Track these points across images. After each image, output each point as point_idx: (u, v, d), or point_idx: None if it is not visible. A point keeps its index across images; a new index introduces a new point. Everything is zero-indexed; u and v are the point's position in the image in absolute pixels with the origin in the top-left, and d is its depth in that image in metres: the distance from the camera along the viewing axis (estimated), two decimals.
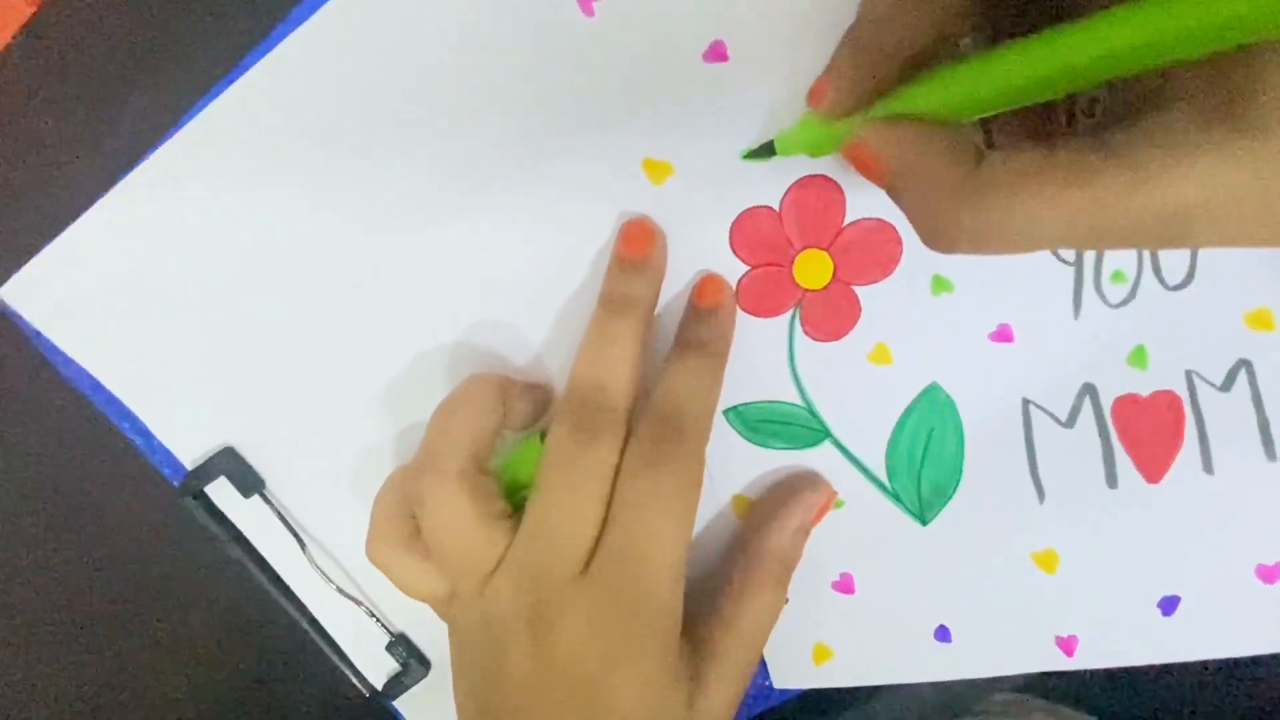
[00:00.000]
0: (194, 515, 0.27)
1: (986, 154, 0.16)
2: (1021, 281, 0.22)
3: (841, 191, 0.22)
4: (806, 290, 0.23)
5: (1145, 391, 0.22)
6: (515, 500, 0.23)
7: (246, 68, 0.23)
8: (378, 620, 0.28)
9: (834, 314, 0.23)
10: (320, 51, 0.22)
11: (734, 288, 0.23)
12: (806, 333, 0.23)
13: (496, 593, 0.21)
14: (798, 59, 0.21)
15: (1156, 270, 0.21)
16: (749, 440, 0.24)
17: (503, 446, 0.23)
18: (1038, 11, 0.16)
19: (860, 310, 0.23)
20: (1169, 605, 0.23)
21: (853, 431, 0.24)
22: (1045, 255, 0.22)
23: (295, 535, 0.27)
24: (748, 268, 0.23)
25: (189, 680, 0.30)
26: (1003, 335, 0.22)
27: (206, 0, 0.24)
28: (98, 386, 0.26)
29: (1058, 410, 0.23)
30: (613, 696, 0.20)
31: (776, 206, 0.23)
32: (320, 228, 0.24)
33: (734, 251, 0.23)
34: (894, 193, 0.17)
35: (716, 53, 0.21)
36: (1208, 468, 0.22)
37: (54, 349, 0.26)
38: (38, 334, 0.26)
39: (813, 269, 0.23)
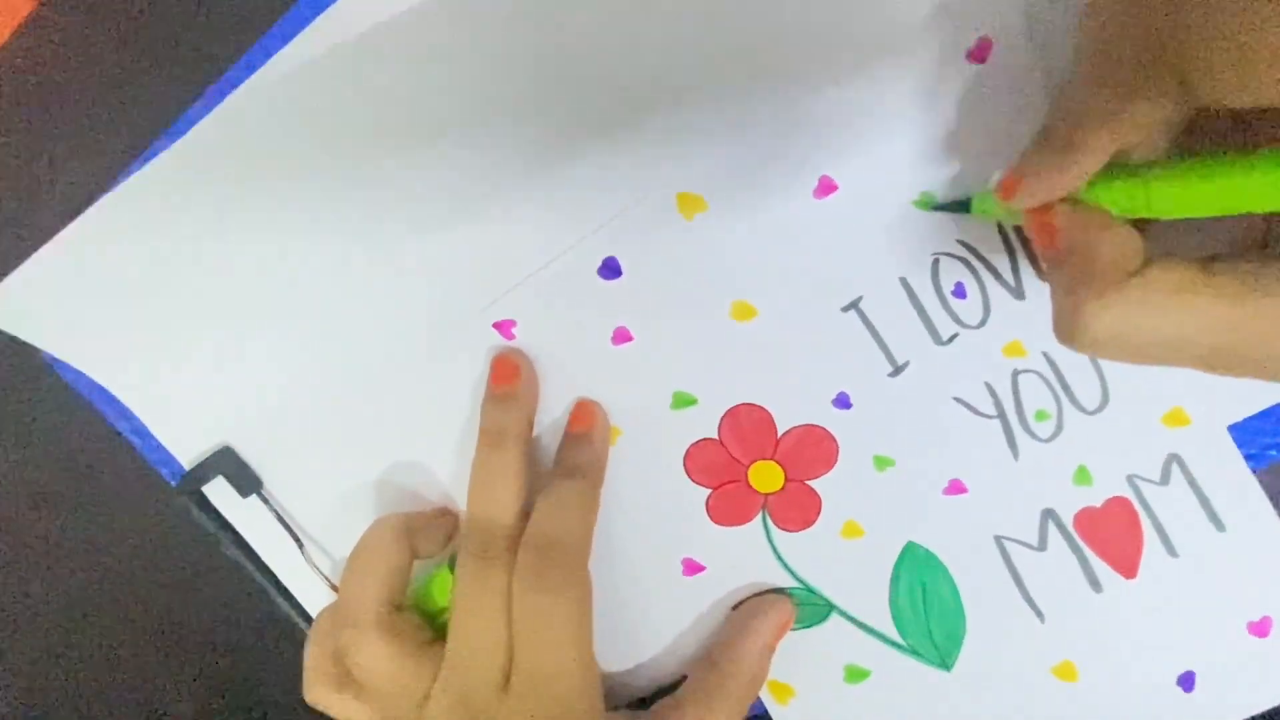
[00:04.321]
0: (191, 515, 0.27)
1: (1149, 262, 0.16)
2: (957, 443, 0.24)
3: (767, 411, 0.24)
4: (767, 494, 0.25)
5: (1098, 502, 0.24)
6: (437, 625, 0.25)
7: (246, 65, 0.23)
8: None
9: (798, 508, 0.25)
10: (319, 61, 0.22)
11: (704, 509, 0.25)
12: (780, 527, 0.25)
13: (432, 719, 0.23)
14: None
15: (1074, 401, 0.23)
16: None
17: (420, 574, 0.25)
18: (1227, 131, 0.17)
19: (819, 499, 0.25)
20: (1187, 681, 0.24)
21: (854, 601, 0.25)
22: (969, 416, 0.23)
23: (293, 535, 0.27)
24: (709, 489, 0.25)
25: (185, 679, 0.30)
26: (956, 489, 0.24)
27: None
28: (96, 388, 0.26)
29: (1028, 538, 0.24)
30: None
31: (716, 436, 0.25)
32: (318, 231, 0.24)
33: (693, 480, 0.25)
34: (1052, 267, 0.17)
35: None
36: (1172, 552, 0.23)
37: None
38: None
39: (766, 476, 0.25)
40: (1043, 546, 0.24)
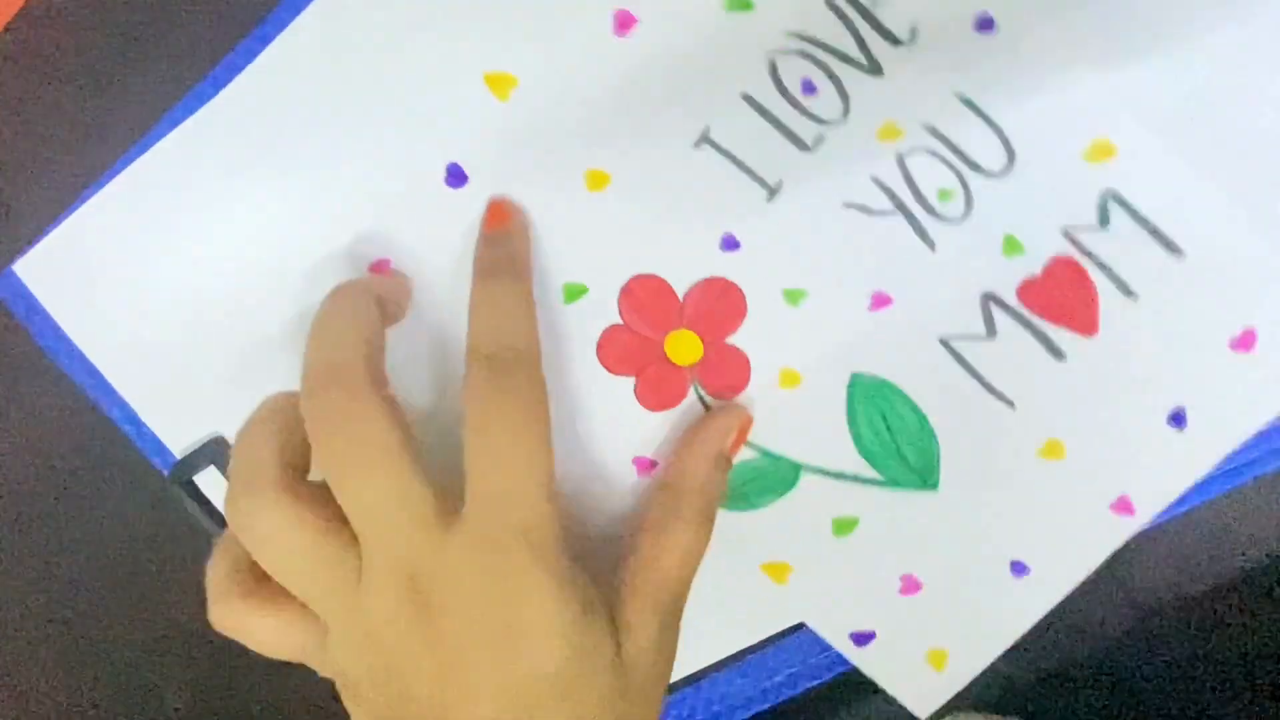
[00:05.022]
0: (183, 504, 0.26)
1: None
2: (866, 251, 0.22)
3: (660, 278, 0.23)
4: (691, 366, 0.23)
5: (1038, 270, 0.21)
6: None
7: (246, 51, 0.22)
8: None
9: (727, 372, 0.23)
10: (340, 28, 0.21)
11: (635, 400, 0.24)
12: (717, 397, 0.24)
13: (367, 596, 0.19)
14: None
15: (975, 167, 0.21)
16: (739, 510, 0.25)
17: None
18: None
19: (745, 356, 0.23)
20: (1178, 419, 0.22)
21: (819, 453, 0.24)
22: (867, 219, 0.21)
23: None
24: (633, 378, 0.24)
25: (175, 670, 0.29)
26: (881, 302, 0.22)
27: None
28: (92, 373, 0.26)
29: (973, 329, 0.22)
30: (524, 639, 0.18)
31: (620, 319, 0.23)
32: (321, 220, 0.24)
33: (614, 372, 0.24)
34: None
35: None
36: (1129, 294, 0.21)
37: (47, 334, 0.26)
38: (30, 317, 0.26)
39: (684, 348, 0.23)
40: (991, 334, 0.22)
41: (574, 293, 0.23)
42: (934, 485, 0.23)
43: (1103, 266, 0.21)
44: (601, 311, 0.23)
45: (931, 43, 0.20)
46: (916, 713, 0.25)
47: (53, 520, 0.29)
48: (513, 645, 0.18)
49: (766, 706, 0.26)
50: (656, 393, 0.24)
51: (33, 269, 0.25)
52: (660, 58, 0.20)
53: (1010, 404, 0.22)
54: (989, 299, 0.22)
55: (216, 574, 0.21)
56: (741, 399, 0.24)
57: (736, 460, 0.24)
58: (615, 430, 0.24)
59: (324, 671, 0.21)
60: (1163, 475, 0.22)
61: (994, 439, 0.23)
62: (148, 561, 0.29)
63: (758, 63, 0.20)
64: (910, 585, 0.24)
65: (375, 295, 0.21)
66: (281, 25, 0.22)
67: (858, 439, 0.23)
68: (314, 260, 0.24)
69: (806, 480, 0.24)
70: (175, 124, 0.23)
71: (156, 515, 0.28)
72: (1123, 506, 0.23)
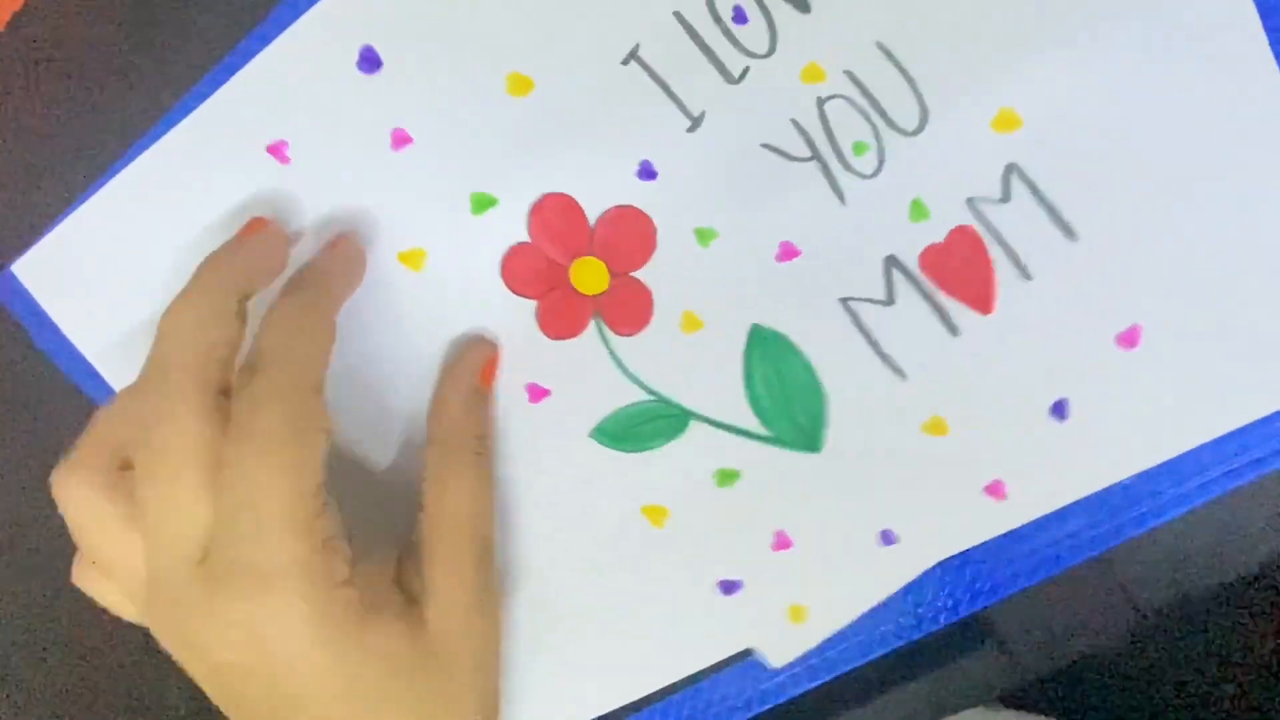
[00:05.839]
0: None
1: None
2: (777, 197, 0.22)
3: (573, 199, 0.22)
4: (596, 296, 0.23)
5: (941, 236, 0.21)
6: None
7: (245, 51, 0.22)
8: None
9: (630, 306, 0.23)
10: (336, 31, 0.21)
11: (535, 323, 0.23)
12: (618, 333, 0.23)
13: (144, 609, 0.20)
14: None
15: (890, 124, 0.21)
16: (625, 450, 0.24)
17: None
18: None
19: (649, 292, 0.23)
20: (1060, 409, 0.22)
21: (710, 403, 0.24)
22: (783, 163, 0.21)
23: None
24: (535, 301, 0.23)
25: (175, 670, 0.28)
26: (788, 253, 0.22)
27: None
28: (92, 373, 0.26)
29: (873, 293, 0.22)
30: (288, 673, 0.18)
31: (528, 237, 0.23)
32: (320, 220, 0.23)
33: (516, 292, 0.23)
34: None
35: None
36: (1025, 275, 0.21)
37: (47, 334, 0.26)
38: (29, 318, 0.25)
39: (590, 276, 0.23)
40: (890, 300, 0.22)
41: (482, 203, 0.23)
42: (817, 448, 0.23)
43: (1002, 243, 0.21)
44: (510, 227, 0.23)
45: None
46: (772, 661, 0.25)
47: (53, 520, 0.29)
48: (281, 679, 0.18)
49: (767, 707, 0.26)
50: (557, 320, 0.23)
51: (32, 269, 0.25)
52: None
53: (901, 375, 0.23)
54: (891, 263, 0.22)
55: (85, 443, 0.21)
56: (641, 337, 0.23)
57: (629, 402, 0.24)
58: (512, 352, 0.24)
59: (139, 617, 0.21)
60: (1040, 465, 0.23)
61: (881, 408, 0.23)
62: None
63: None
64: (782, 541, 0.24)
65: (240, 276, 0.21)
66: (281, 25, 0.22)
67: (750, 392, 0.23)
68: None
69: (695, 428, 0.24)
70: (174, 124, 0.23)
71: None
72: (995, 490, 0.23)
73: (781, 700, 0.25)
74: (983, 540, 0.23)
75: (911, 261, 0.22)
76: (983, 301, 0.22)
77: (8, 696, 0.30)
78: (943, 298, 0.22)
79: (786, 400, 0.23)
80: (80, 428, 0.27)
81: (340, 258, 0.22)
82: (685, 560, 0.25)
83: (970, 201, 0.21)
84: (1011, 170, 0.21)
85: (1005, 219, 0.21)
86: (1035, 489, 0.23)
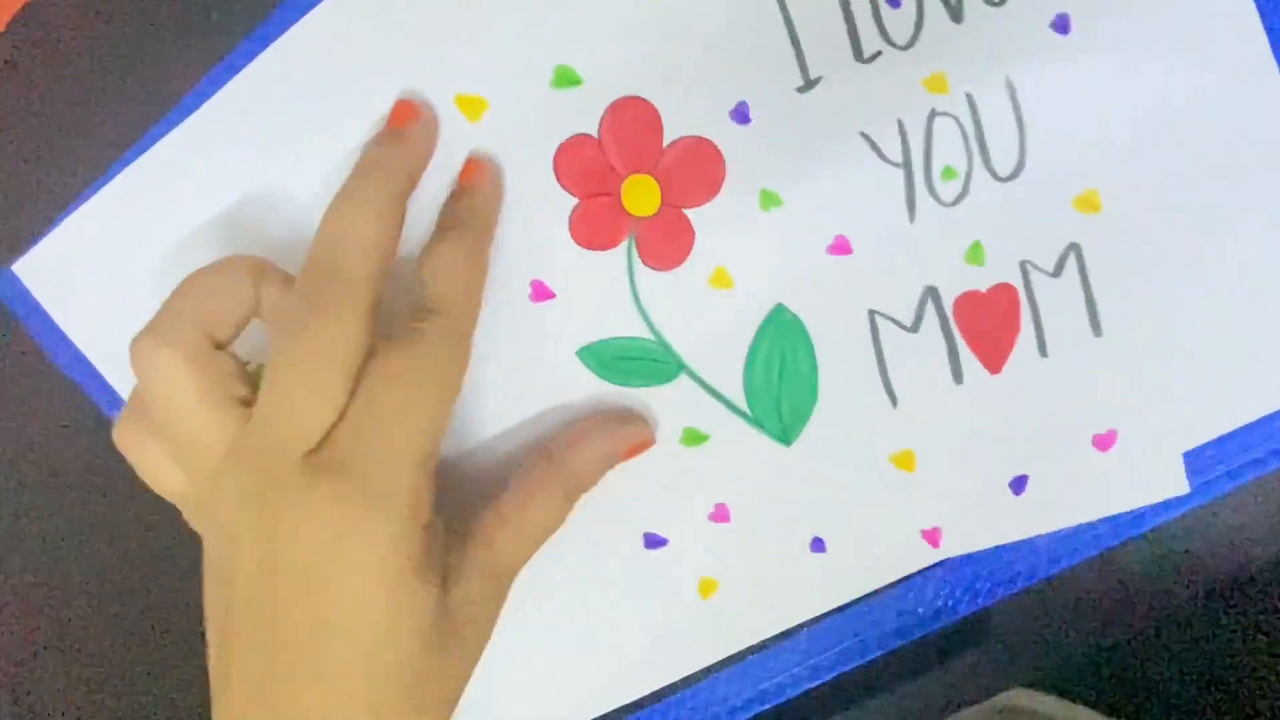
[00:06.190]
0: None
1: None
2: (853, 189, 0.21)
3: (656, 110, 0.21)
4: (638, 218, 0.22)
5: (984, 287, 0.22)
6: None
7: (244, 52, 0.22)
8: None
9: (669, 240, 0.22)
10: (336, 33, 0.21)
11: (567, 223, 0.22)
12: (645, 263, 0.23)
13: (221, 482, 0.19)
14: None
15: (987, 162, 0.21)
16: (607, 380, 0.24)
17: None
18: None
19: (694, 234, 0.22)
20: (1019, 485, 0.23)
21: (707, 363, 0.23)
22: (873, 158, 0.21)
23: None
24: (577, 200, 0.22)
25: (176, 670, 0.29)
26: (840, 248, 0.22)
27: None
28: (92, 373, 0.26)
29: (902, 316, 0.22)
30: (342, 588, 0.19)
31: (596, 133, 0.22)
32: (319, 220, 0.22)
33: (560, 184, 0.22)
34: None
35: None
36: (1043, 351, 0.22)
37: (47, 334, 0.26)
38: (30, 318, 0.26)
39: (642, 196, 0.22)
40: (915, 329, 0.22)
41: (566, 79, 0.21)
42: (788, 442, 0.23)
43: (1035, 313, 0.22)
44: (583, 114, 0.21)
45: (1012, 16, 0.20)
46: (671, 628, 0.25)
47: (53, 520, 0.29)
48: (328, 590, 0.19)
49: (766, 707, 0.26)
50: (591, 227, 0.22)
51: (32, 269, 0.25)
52: None
53: (894, 400, 0.23)
54: (930, 293, 0.22)
55: (133, 395, 0.21)
56: (669, 275, 0.22)
57: (628, 334, 0.23)
58: (531, 242, 0.23)
59: (191, 523, 0.21)
60: (981, 525, 0.24)
61: (861, 425, 0.23)
62: (148, 561, 0.29)
63: None
64: (720, 514, 0.24)
65: (256, 279, 0.21)
66: (281, 26, 0.22)
67: (749, 367, 0.23)
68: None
69: (682, 381, 0.23)
70: (175, 125, 0.23)
71: (156, 514, 0.27)
72: (932, 537, 0.24)
73: (781, 700, 0.26)
74: (906, 575, 0.24)
75: (949, 299, 0.22)
76: (995, 361, 0.22)
77: (8, 696, 0.31)
78: (961, 343, 0.22)
79: (779, 387, 0.23)
80: (80, 427, 0.27)
81: (495, 190, 0.22)
82: (623, 503, 0.24)
83: (1024, 264, 0.22)
84: (1072, 249, 0.21)
85: (1047, 292, 0.22)
86: (967, 541, 0.24)
